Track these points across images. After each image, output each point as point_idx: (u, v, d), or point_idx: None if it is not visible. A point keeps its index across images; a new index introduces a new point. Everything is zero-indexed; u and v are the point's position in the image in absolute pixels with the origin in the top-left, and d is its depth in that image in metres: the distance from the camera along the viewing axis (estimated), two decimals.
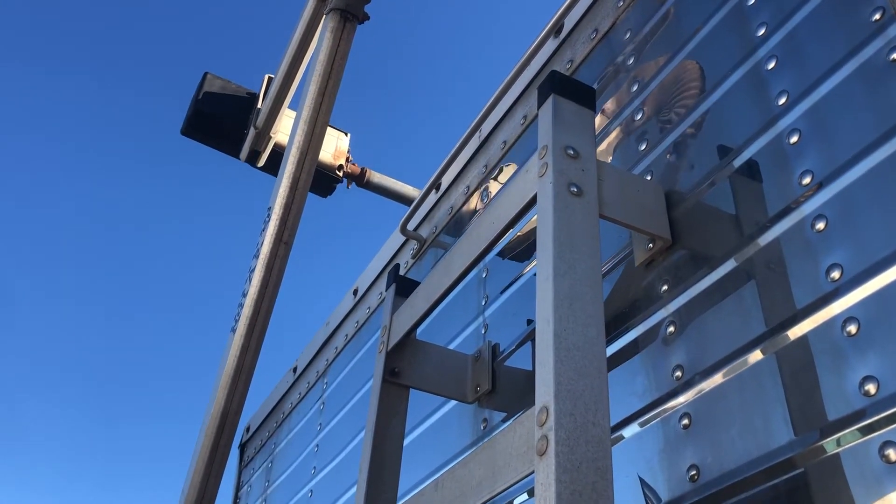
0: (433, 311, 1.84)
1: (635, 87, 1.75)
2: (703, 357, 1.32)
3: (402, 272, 2.72)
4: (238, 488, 4.27)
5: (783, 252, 1.28)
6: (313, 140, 2.77)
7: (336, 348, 3.34)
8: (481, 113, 2.31)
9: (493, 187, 2.28)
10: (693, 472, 1.24)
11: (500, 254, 2.15)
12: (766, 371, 1.22)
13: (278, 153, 3.85)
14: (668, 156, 1.58)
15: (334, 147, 4.26)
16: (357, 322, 3.18)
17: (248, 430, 4.37)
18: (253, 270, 2.71)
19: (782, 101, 1.33)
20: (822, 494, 1.09)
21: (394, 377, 1.88)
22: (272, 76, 3.94)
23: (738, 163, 1.41)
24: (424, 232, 2.71)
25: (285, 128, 3.88)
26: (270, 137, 3.99)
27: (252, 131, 4.03)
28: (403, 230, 2.70)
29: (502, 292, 2.08)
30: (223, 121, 4.16)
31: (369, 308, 3.10)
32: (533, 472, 1.09)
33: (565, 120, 1.42)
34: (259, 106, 4.07)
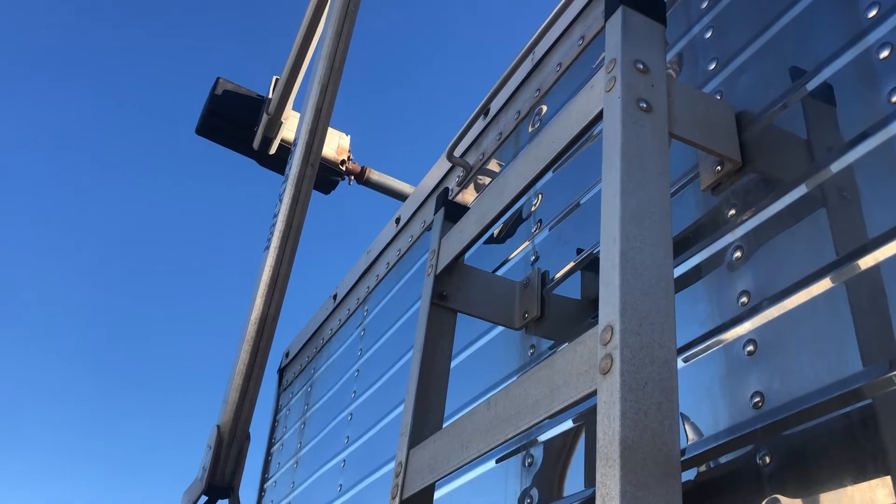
0: (484, 235, 1.81)
1: (705, 4, 1.67)
2: (771, 283, 1.27)
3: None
4: (276, 412, 4.35)
5: (856, 178, 1.22)
6: (333, 74, 2.94)
7: (377, 276, 3.33)
8: (535, 34, 2.23)
9: (547, 111, 2.21)
10: (757, 399, 1.20)
11: (554, 179, 2.10)
12: (835, 299, 1.17)
13: (284, 148, 4.25)
14: (739, 75, 1.50)
15: (337, 144, 4.57)
16: (399, 250, 3.16)
17: (286, 355, 4.43)
18: (283, 192, 2.91)
19: (872, 13, 1.24)
20: (889, 426, 1.05)
21: (442, 300, 1.86)
22: (279, 77, 4.28)
23: (817, 82, 1.34)
24: (471, 159, 2.66)
25: (291, 126, 4.22)
26: (282, 123, 4.31)
27: (264, 118, 4.34)
28: (450, 156, 2.66)
29: (554, 219, 2.04)
30: (235, 120, 4.49)
31: (412, 236, 3.08)
32: (594, 391, 1.07)
33: (635, 32, 1.35)
34: (270, 96, 4.36)
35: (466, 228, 1.83)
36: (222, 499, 2.38)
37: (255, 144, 4.39)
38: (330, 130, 4.31)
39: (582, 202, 1.93)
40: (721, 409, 1.27)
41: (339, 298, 3.76)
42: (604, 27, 1.42)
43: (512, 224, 2.27)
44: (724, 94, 1.52)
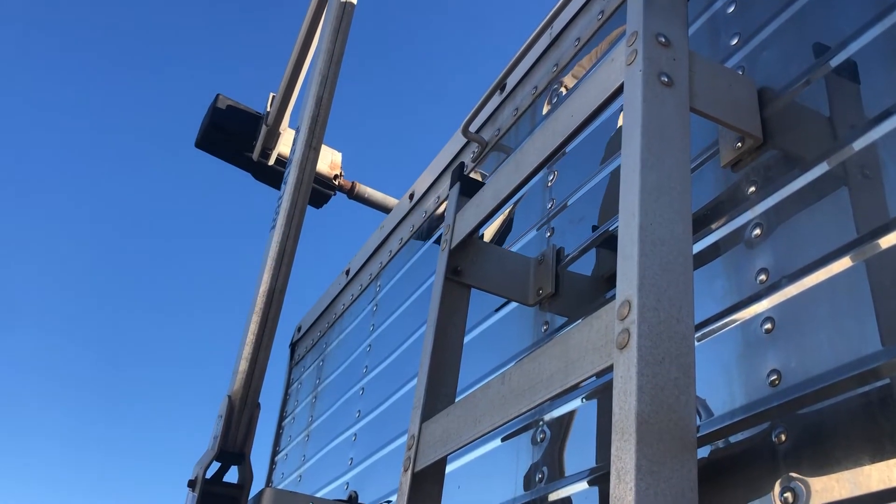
0: (499, 210, 1.80)
1: None
2: (790, 261, 1.26)
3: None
4: (288, 385, 4.38)
5: (879, 156, 1.21)
6: (332, 67, 3.19)
7: (390, 251, 3.33)
8: (554, 9, 2.20)
9: (566, 86, 2.19)
10: (774, 377, 1.19)
11: (570, 156, 2.08)
12: (855, 278, 1.16)
13: (280, 163, 4.58)
14: (762, 51, 1.48)
15: (329, 160, 4.84)
16: (413, 226, 3.16)
17: (299, 329, 4.45)
18: (288, 175, 3.10)
19: None
20: None
21: (456, 276, 1.86)
22: (275, 95, 4.57)
23: (841, 58, 1.32)
24: (486, 134, 2.64)
25: (287, 141, 4.52)
26: (279, 134, 4.57)
27: (263, 129, 4.59)
28: (465, 132, 2.64)
29: (569, 197, 2.03)
30: (234, 134, 4.70)
31: (425, 212, 3.07)
32: (611, 366, 1.07)
33: (657, 5, 1.33)
34: (268, 109, 4.62)
35: (482, 203, 1.82)
36: (234, 464, 2.41)
37: (255, 156, 4.65)
38: (323, 148, 4.57)
39: (598, 179, 1.92)
40: (737, 386, 1.26)
41: (351, 274, 3.77)
42: (624, 1, 1.40)
43: (526, 200, 2.26)
44: (747, 70, 1.50)
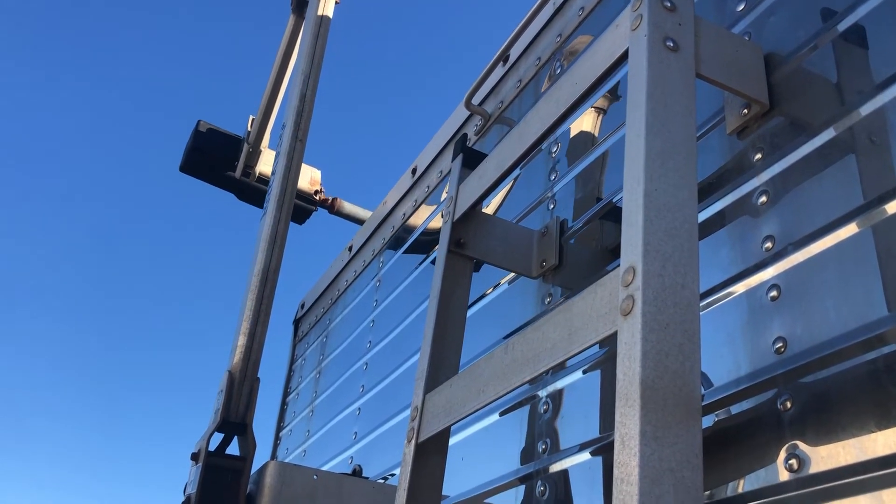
0: (503, 181, 1.78)
1: None
2: (796, 228, 1.24)
3: None
4: (292, 361, 4.39)
5: (886, 122, 1.19)
6: (314, 65, 3.37)
7: (393, 227, 3.32)
8: None
9: (568, 57, 2.17)
10: (779, 345, 1.19)
11: (572, 129, 2.06)
12: (862, 244, 1.15)
13: (262, 183, 4.78)
14: (769, 16, 1.46)
15: (309, 177, 5.02)
16: (415, 200, 3.14)
17: (302, 306, 4.45)
18: (276, 165, 3.26)
19: None
20: None
21: (459, 248, 1.85)
22: (255, 117, 4.76)
23: (849, 23, 1.30)
24: (490, 107, 2.62)
25: (267, 161, 4.76)
26: (261, 151, 4.77)
27: (244, 148, 4.79)
28: (468, 104, 2.62)
29: (573, 167, 2.01)
30: (216, 157, 4.87)
31: (428, 187, 3.06)
32: (615, 333, 1.06)
33: None
34: (249, 129, 4.81)
35: (485, 174, 1.80)
36: (237, 434, 2.42)
37: (237, 174, 4.83)
38: (303, 165, 4.68)
39: (602, 150, 1.90)
40: (742, 354, 1.25)
41: (354, 250, 3.76)
42: None
43: (530, 171, 2.24)
44: (753, 35, 1.48)
